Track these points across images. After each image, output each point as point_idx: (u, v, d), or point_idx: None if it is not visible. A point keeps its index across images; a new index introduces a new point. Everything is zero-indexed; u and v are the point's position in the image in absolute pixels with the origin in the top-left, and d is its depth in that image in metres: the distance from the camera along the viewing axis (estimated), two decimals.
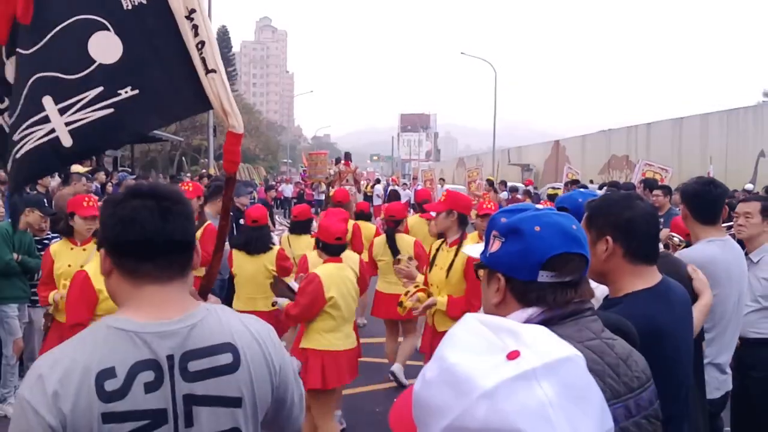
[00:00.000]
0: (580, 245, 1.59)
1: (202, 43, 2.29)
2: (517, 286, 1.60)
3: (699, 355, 2.91)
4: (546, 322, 1.52)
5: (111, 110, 2.35)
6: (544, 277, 1.57)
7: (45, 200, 7.86)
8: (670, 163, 26.39)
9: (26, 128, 2.41)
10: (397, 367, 6.68)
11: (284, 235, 7.30)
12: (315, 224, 7.34)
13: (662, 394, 1.89)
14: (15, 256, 6.16)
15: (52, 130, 2.39)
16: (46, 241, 6.62)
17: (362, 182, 22.72)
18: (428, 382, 0.99)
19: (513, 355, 0.93)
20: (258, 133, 64.59)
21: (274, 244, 6.47)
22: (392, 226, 7.07)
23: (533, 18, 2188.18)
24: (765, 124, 23.67)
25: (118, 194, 1.72)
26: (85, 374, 1.49)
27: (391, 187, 21.66)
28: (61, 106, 2.38)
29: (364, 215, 8.84)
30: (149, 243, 1.61)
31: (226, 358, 1.62)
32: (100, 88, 2.35)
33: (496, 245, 1.64)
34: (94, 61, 2.37)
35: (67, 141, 2.40)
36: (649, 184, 10.74)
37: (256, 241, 6.17)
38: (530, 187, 20.63)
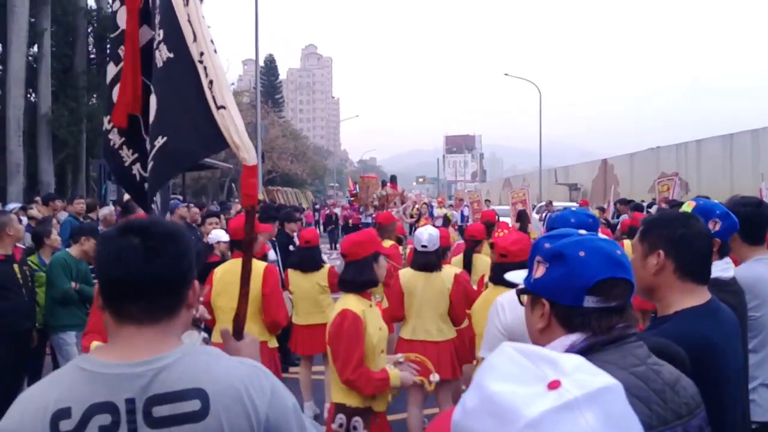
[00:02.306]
0: (625, 270, 1.60)
1: (211, 82, 2.36)
2: (561, 312, 1.60)
3: None
4: (589, 348, 1.55)
5: (153, 162, 2.55)
6: (589, 302, 1.56)
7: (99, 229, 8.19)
8: (722, 181, 26.11)
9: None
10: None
11: None
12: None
13: (717, 413, 1.86)
14: (73, 284, 6.33)
15: None
16: None
17: (409, 204, 22.88)
18: (469, 412, 0.98)
19: (554, 385, 0.93)
20: (305, 158, 65.42)
21: (325, 262, 6.93)
22: (472, 246, 7.04)
23: (576, 38, 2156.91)
24: None
25: (111, 230, 1.69)
26: (43, 412, 1.49)
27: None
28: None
29: (398, 239, 8.91)
30: (134, 283, 1.57)
31: (192, 405, 1.53)
32: (149, 146, 2.60)
33: (540, 271, 1.64)
34: (150, 124, 2.64)
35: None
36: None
37: (308, 260, 6.72)
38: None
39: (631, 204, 14.76)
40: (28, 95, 22.36)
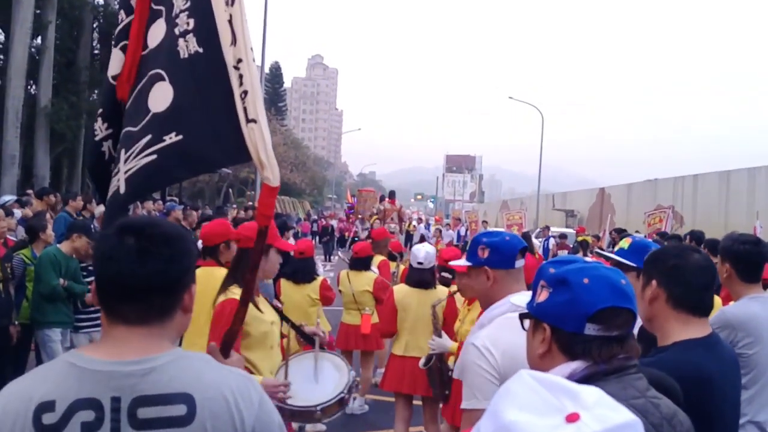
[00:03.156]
0: (628, 300, 1.59)
1: (245, 92, 2.28)
2: (562, 338, 1.59)
3: None
4: (590, 377, 1.54)
5: (154, 156, 2.38)
6: (590, 329, 1.56)
7: (93, 227, 8.11)
8: (717, 216, 26.21)
9: (112, 178, 2.57)
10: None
11: (344, 272, 7.49)
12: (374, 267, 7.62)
13: None
14: (61, 281, 6.26)
15: (118, 180, 2.50)
16: (91, 267, 6.76)
17: (405, 220, 22.88)
18: None
19: (572, 418, 0.91)
20: (305, 168, 65.48)
21: (318, 274, 6.90)
22: None
23: (582, 66, 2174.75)
24: None
25: (110, 229, 1.67)
26: (27, 404, 1.48)
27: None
28: (125, 156, 2.48)
29: (391, 255, 8.99)
30: (125, 283, 1.56)
31: (178, 410, 1.51)
32: (149, 136, 2.40)
33: (543, 295, 1.65)
34: (149, 111, 2.45)
35: (123, 188, 2.48)
36: (696, 236, 10.65)
37: (302, 272, 6.70)
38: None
39: (623, 234, 14.65)
40: (29, 87, 22.23)
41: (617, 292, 1.58)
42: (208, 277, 4.59)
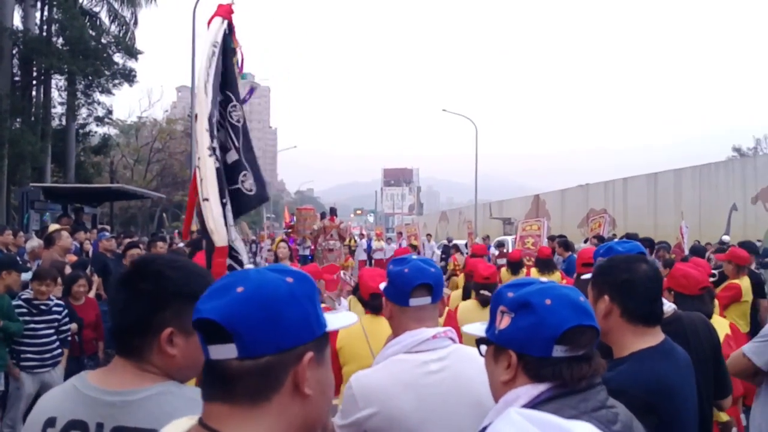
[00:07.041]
0: (590, 317, 1.57)
1: (201, 179, 2.80)
2: (530, 363, 1.55)
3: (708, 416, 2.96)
4: (556, 396, 1.52)
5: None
6: (558, 351, 1.53)
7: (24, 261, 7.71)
8: (646, 217, 27.09)
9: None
10: None
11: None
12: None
13: None
14: None
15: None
16: (44, 306, 6.26)
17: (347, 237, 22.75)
18: None
19: None
20: None
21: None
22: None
23: (513, 77, 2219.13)
24: (736, 178, 24.34)
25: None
26: (41, 416, 1.68)
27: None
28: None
29: None
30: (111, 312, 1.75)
31: None
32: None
33: (505, 321, 1.59)
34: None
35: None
36: (632, 239, 10.90)
37: None
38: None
39: (562, 240, 14.73)
40: None
41: (579, 310, 1.55)
42: None
